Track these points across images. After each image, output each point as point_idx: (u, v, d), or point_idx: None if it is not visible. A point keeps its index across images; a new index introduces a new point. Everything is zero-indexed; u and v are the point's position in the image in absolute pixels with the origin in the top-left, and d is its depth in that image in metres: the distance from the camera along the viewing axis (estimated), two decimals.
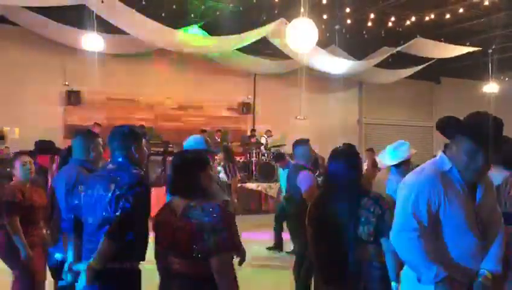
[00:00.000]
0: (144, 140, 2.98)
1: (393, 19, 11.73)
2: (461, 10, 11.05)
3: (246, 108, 14.90)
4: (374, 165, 6.78)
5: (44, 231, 3.90)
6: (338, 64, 13.34)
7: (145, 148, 2.93)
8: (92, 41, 9.95)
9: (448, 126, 2.42)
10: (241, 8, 10.99)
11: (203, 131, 13.19)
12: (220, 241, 2.22)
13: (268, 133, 13.84)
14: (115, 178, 2.64)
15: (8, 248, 3.75)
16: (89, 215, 2.70)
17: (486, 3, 10.50)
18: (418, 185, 2.28)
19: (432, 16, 11.40)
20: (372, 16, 11.45)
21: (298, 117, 15.43)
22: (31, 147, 10.79)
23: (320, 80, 15.04)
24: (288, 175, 4.97)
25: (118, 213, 2.53)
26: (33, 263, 3.74)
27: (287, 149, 13.54)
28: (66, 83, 12.48)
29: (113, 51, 11.81)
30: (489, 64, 14.92)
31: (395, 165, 4.18)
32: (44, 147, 4.64)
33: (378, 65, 14.21)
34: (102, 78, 12.19)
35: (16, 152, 4.49)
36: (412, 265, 2.29)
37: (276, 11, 10.97)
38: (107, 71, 12.26)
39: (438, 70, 16.37)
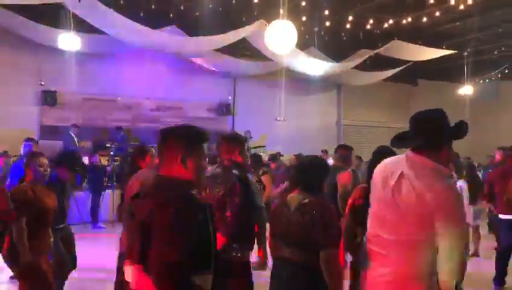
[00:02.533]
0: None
1: (371, 21, 11.86)
2: (438, 14, 11.24)
3: (226, 109, 14.86)
4: None
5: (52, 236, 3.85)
6: (317, 66, 13.41)
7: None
8: (68, 41, 9.75)
9: None
10: (220, 9, 10.95)
11: None
12: (329, 237, 2.62)
13: (248, 134, 13.78)
14: None
15: (14, 252, 3.62)
16: None
17: (462, 7, 10.68)
18: None
19: (409, 19, 11.56)
20: (350, 18, 11.55)
21: (278, 118, 15.47)
22: (2, 148, 10.64)
23: (300, 82, 15.12)
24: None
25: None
26: (39, 267, 3.63)
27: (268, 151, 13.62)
28: (42, 83, 12.21)
29: (90, 50, 11.61)
30: (465, 67, 15.24)
31: None
32: (68, 160, 4.57)
33: (357, 67, 14.35)
34: (79, 78, 12.02)
35: (33, 152, 4.37)
36: None
37: (255, 13, 10.97)
38: (84, 71, 12.06)
39: (415, 72, 16.63)
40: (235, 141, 3.44)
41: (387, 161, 2.47)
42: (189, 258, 1.84)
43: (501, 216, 5.78)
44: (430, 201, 2.10)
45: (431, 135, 2.29)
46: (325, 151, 12.13)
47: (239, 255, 3.12)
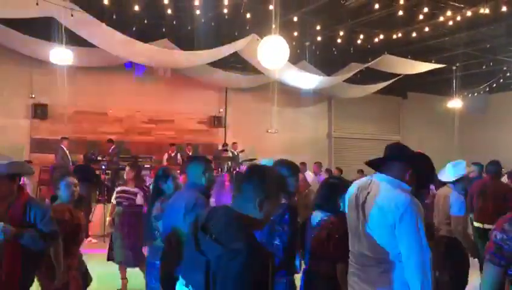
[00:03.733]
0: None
1: (362, 36, 11.99)
2: (427, 29, 11.39)
3: (217, 121, 14.89)
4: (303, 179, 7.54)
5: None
6: (308, 80, 13.52)
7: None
8: (60, 55, 9.71)
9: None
10: (213, 24, 11.02)
11: (172, 145, 13.13)
12: (344, 251, 2.85)
13: (234, 146, 13.79)
14: None
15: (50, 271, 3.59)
16: None
17: (451, 23, 10.87)
18: None
19: (400, 34, 11.71)
20: (341, 33, 11.68)
21: (269, 131, 15.55)
22: None
23: (291, 94, 15.22)
24: None
25: None
26: (71, 285, 3.71)
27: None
28: (33, 96, 12.18)
29: (82, 63, 11.60)
30: (454, 81, 15.45)
31: (454, 182, 4.64)
32: (85, 175, 4.63)
33: (347, 80, 14.49)
34: (70, 91, 11.95)
35: (63, 173, 4.42)
36: None
37: (247, 27, 11.05)
38: (75, 84, 12.02)
39: (405, 85, 16.82)
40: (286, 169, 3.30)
41: None
42: None
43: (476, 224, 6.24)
44: None
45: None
46: (361, 171, 12.05)
47: (285, 280, 3.13)
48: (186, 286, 1.98)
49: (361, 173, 12.58)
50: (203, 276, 1.85)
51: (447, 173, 4.64)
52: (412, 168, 2.69)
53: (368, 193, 2.64)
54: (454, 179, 4.59)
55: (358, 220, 2.65)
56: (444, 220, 4.67)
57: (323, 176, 10.31)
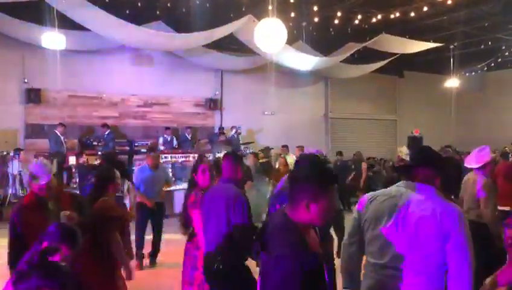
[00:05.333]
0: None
1: (359, 16, 11.80)
2: (425, 8, 11.23)
3: (213, 104, 14.73)
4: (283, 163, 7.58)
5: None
6: (305, 61, 13.36)
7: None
8: (52, 40, 9.49)
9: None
10: (207, 5, 10.78)
11: (167, 129, 12.99)
12: None
13: (234, 129, 13.69)
14: None
15: None
16: None
17: (449, 2, 10.71)
18: None
19: (397, 14, 11.53)
20: (339, 13, 11.49)
21: (266, 112, 15.45)
22: None
23: (288, 75, 15.07)
24: None
25: None
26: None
27: (257, 146, 13.59)
28: (26, 81, 11.95)
29: (75, 47, 11.36)
30: (451, 59, 15.33)
31: (479, 167, 4.78)
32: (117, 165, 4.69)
33: (344, 60, 14.34)
34: (64, 75, 11.74)
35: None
36: None
37: (243, 9, 10.84)
38: (69, 68, 11.81)
39: (401, 64, 16.69)
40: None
41: None
42: None
43: None
44: None
45: None
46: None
47: None
48: None
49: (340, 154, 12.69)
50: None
51: (473, 159, 4.81)
52: (441, 175, 2.57)
53: (405, 201, 2.47)
54: (480, 165, 4.75)
55: (393, 229, 2.47)
56: (472, 204, 4.75)
57: None
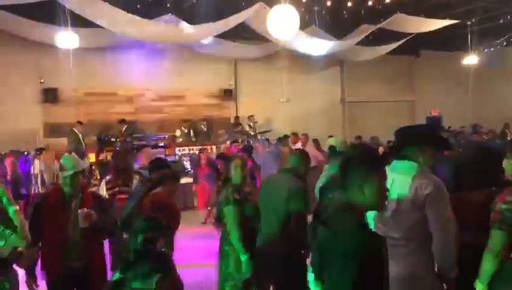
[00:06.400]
0: None
1: None
2: None
3: (228, 94, 14.69)
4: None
5: None
6: (318, 45, 13.18)
7: None
8: (66, 39, 9.56)
9: None
10: None
11: (185, 121, 13.00)
12: None
13: (252, 119, 13.67)
14: None
15: None
16: None
17: None
18: None
19: None
20: None
21: (281, 100, 15.32)
22: (9, 148, 10.59)
23: (302, 61, 14.91)
24: None
25: None
26: None
27: (274, 134, 13.50)
28: (42, 81, 12.07)
29: (88, 44, 11.41)
30: (469, 36, 14.94)
31: None
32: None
33: (359, 43, 14.09)
34: (79, 73, 11.87)
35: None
36: None
37: None
38: (83, 66, 11.90)
39: (417, 43, 16.30)
40: None
41: None
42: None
43: None
44: None
45: None
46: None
47: None
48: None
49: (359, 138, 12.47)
50: (316, 258, 2.17)
51: None
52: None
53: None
54: None
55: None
56: None
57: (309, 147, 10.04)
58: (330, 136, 9.68)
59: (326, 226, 2.05)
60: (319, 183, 4.25)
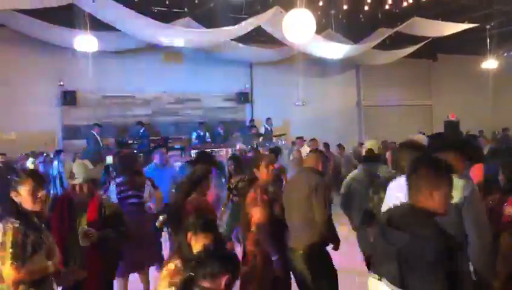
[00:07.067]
0: None
1: (390, 1, 11.48)
2: None
3: (244, 97, 14.74)
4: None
5: None
6: (335, 49, 13.15)
7: None
8: (85, 43, 9.71)
9: None
10: None
11: (201, 124, 13.09)
12: None
13: (269, 122, 13.70)
14: None
15: None
16: None
17: None
18: None
19: None
20: (368, 0, 11.20)
21: (297, 103, 15.33)
22: (28, 149, 10.79)
23: (317, 64, 14.89)
24: None
25: None
26: None
27: (290, 138, 13.51)
28: (61, 83, 12.28)
29: (106, 48, 11.57)
30: (488, 40, 14.74)
31: None
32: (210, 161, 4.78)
33: (375, 46, 14.03)
34: (97, 76, 12.06)
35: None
36: None
37: (270, 0, 10.73)
38: (101, 69, 12.06)
39: (435, 47, 16.16)
40: None
41: None
42: None
43: None
44: None
45: None
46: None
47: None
48: (380, 279, 2.10)
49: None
50: (395, 265, 1.97)
51: None
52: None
53: None
54: None
55: None
56: None
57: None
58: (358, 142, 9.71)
59: (401, 230, 1.99)
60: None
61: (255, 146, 11.03)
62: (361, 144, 10.93)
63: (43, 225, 2.81)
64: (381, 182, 3.64)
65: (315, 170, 3.96)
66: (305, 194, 3.80)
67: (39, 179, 2.79)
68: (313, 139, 10.62)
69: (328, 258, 3.91)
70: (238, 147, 10.39)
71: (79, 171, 3.48)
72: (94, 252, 3.36)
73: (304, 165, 4.21)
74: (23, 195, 2.71)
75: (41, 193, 2.74)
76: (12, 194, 2.74)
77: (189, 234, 2.75)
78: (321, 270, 3.81)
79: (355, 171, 4.85)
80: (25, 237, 2.59)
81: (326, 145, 11.63)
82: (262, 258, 3.86)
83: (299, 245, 3.81)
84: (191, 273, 2.23)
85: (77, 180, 3.45)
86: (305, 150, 10.24)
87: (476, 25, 13.06)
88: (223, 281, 2.19)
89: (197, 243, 2.69)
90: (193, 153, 10.89)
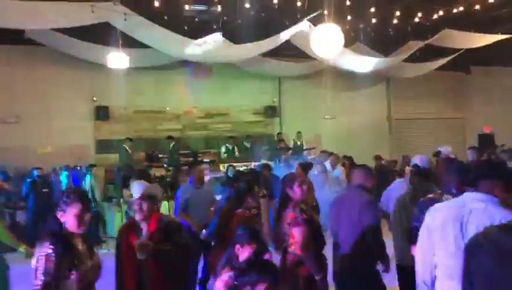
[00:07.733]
0: None
1: (419, 14, 11.38)
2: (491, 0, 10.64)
3: (272, 111, 14.79)
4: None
5: None
6: (364, 62, 13.06)
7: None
8: (117, 60, 10.01)
9: None
10: (263, 15, 10.85)
11: (230, 138, 13.19)
12: None
13: (299, 135, 13.61)
14: None
15: None
16: None
17: None
18: None
19: (461, 8, 11.00)
20: (397, 12, 11.13)
21: (326, 117, 15.25)
22: (63, 163, 11.12)
23: (347, 78, 14.80)
24: None
25: None
26: None
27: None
28: (95, 99, 12.64)
29: (138, 64, 11.85)
30: None
31: None
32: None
33: (405, 59, 13.85)
34: (129, 92, 12.40)
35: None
36: None
37: (298, 15, 10.78)
38: (133, 85, 12.40)
39: (467, 60, 15.81)
40: None
41: None
42: None
43: None
44: None
45: None
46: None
47: None
48: None
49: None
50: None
51: None
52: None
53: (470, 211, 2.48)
54: None
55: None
56: None
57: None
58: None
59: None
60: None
61: (277, 162, 10.97)
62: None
63: (85, 246, 2.82)
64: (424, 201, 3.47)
65: (363, 187, 3.93)
66: (355, 213, 3.77)
67: (87, 203, 2.84)
68: (332, 154, 10.33)
69: (378, 279, 3.84)
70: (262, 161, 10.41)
71: (133, 190, 3.61)
72: (160, 277, 3.42)
73: (351, 182, 4.21)
74: (69, 217, 2.73)
75: (87, 216, 2.80)
76: (58, 214, 2.75)
77: (237, 246, 2.93)
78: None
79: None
80: (57, 264, 2.59)
81: (350, 159, 11.29)
82: (304, 279, 3.71)
83: (352, 264, 3.78)
84: (236, 283, 2.35)
85: (131, 199, 3.59)
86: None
87: (509, 36, 12.76)
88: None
89: (244, 254, 2.89)
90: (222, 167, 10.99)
